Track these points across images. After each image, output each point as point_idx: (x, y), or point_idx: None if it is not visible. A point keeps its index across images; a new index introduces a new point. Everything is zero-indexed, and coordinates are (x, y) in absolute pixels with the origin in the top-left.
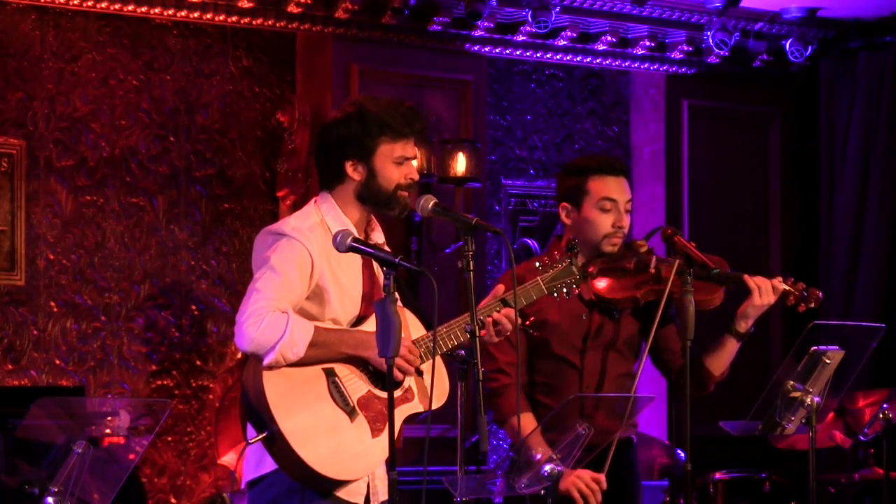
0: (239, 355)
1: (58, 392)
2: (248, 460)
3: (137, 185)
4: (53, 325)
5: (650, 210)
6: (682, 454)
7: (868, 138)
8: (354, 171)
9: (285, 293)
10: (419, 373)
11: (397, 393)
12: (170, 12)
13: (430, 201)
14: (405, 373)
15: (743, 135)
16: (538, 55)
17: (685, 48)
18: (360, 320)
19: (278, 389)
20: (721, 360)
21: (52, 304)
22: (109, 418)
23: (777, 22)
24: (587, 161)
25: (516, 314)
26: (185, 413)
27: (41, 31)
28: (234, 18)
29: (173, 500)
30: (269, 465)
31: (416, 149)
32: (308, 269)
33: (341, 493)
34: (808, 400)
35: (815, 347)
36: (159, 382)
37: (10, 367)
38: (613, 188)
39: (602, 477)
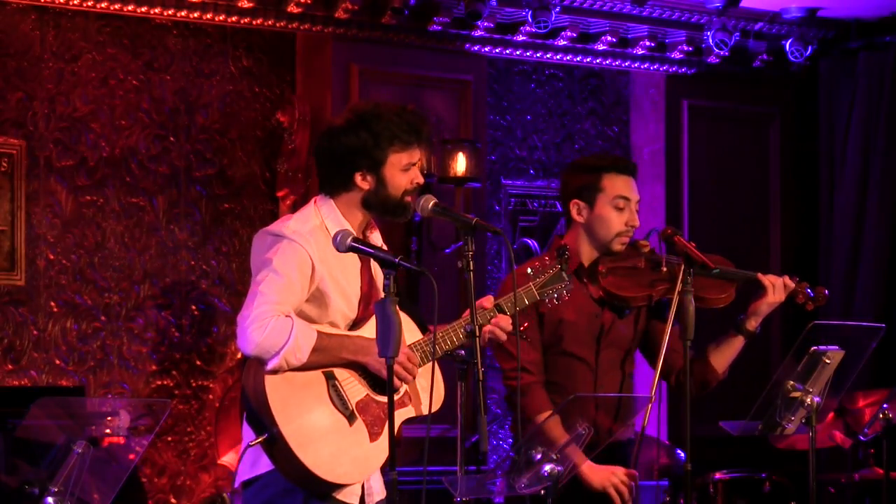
0: (239, 355)
1: (58, 392)
2: (243, 461)
3: (137, 185)
4: (53, 325)
5: (650, 210)
6: (682, 454)
7: (868, 138)
8: (363, 181)
9: (288, 296)
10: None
11: (394, 397)
12: (170, 12)
13: (430, 201)
14: (404, 381)
15: (743, 135)
16: (538, 55)
17: (685, 48)
18: (357, 323)
19: (280, 393)
20: (725, 357)
21: (52, 304)
22: (109, 418)
23: (777, 22)
24: (600, 159)
25: (515, 315)
26: (185, 413)
27: (41, 31)
28: (234, 18)
29: (173, 500)
30: (264, 465)
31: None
32: (308, 273)
33: (337, 494)
34: (808, 400)
35: (815, 347)
36: (159, 382)
37: (10, 367)
38: (627, 187)
39: (636, 473)
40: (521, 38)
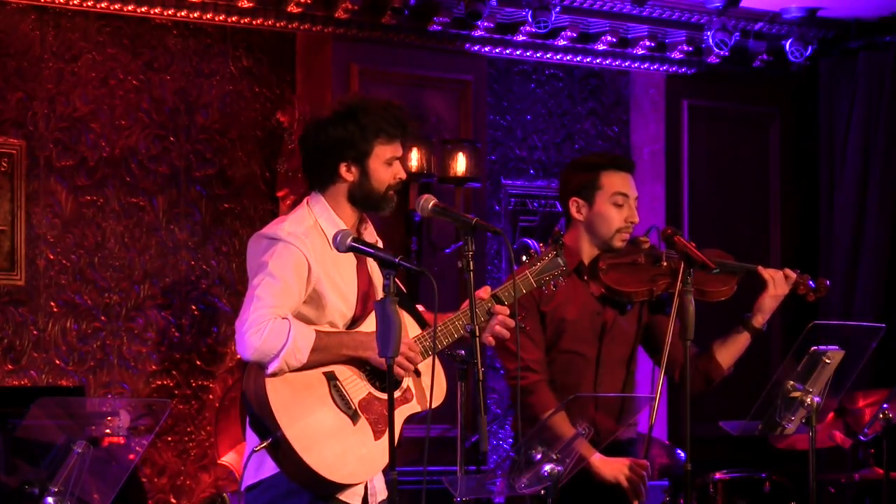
0: (238, 355)
1: (58, 392)
2: (248, 466)
3: (137, 185)
4: (53, 325)
5: (650, 210)
6: (682, 454)
7: (868, 138)
8: (348, 172)
9: (285, 299)
10: (417, 373)
11: (396, 394)
12: (170, 12)
13: (430, 201)
14: (406, 371)
15: (743, 135)
16: (538, 55)
17: (685, 48)
18: (355, 321)
19: (281, 396)
20: (731, 352)
21: (52, 304)
22: (109, 418)
23: (777, 22)
24: (598, 157)
25: (516, 317)
26: (185, 413)
27: (41, 31)
28: (234, 18)
29: (173, 500)
30: (269, 469)
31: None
32: (305, 274)
33: (340, 495)
34: (808, 400)
35: (815, 347)
36: (159, 382)
37: (10, 367)
38: (625, 183)
39: (647, 463)
40: (521, 38)
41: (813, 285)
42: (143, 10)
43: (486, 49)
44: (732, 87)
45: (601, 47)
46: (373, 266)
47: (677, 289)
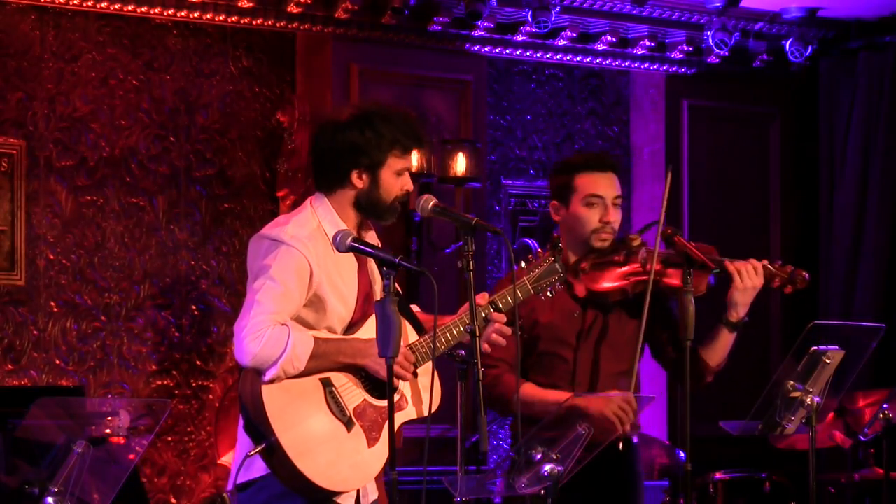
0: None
1: (58, 392)
2: (237, 464)
3: (137, 185)
4: (53, 325)
5: (650, 210)
6: (682, 454)
7: (868, 138)
8: (359, 179)
9: (286, 304)
10: (414, 374)
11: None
12: (170, 12)
13: (430, 201)
14: (401, 379)
15: (743, 135)
16: (538, 55)
17: (685, 48)
18: (354, 325)
19: (277, 402)
20: (716, 351)
21: (52, 304)
22: (109, 418)
23: (777, 22)
24: (575, 158)
25: (516, 314)
26: (185, 413)
27: (41, 31)
28: (234, 18)
29: (173, 500)
30: (259, 469)
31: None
32: (307, 279)
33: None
34: (808, 400)
35: (815, 347)
36: (159, 382)
37: (10, 367)
38: (600, 184)
39: (632, 397)
40: (521, 38)
41: (792, 277)
42: (143, 10)
43: (486, 49)
44: (732, 87)
45: (601, 47)
46: (373, 269)
47: (648, 286)
